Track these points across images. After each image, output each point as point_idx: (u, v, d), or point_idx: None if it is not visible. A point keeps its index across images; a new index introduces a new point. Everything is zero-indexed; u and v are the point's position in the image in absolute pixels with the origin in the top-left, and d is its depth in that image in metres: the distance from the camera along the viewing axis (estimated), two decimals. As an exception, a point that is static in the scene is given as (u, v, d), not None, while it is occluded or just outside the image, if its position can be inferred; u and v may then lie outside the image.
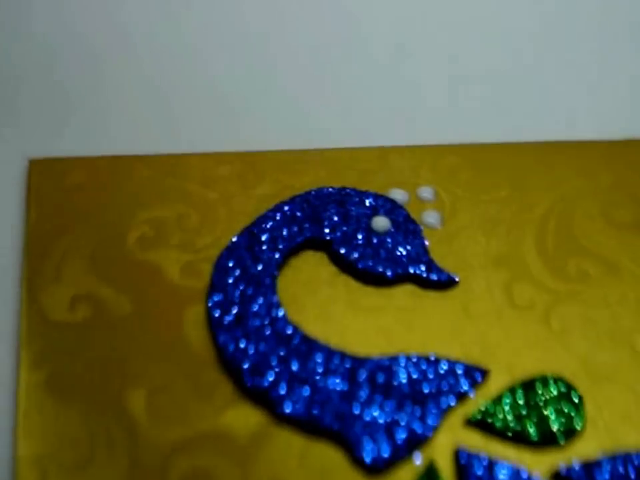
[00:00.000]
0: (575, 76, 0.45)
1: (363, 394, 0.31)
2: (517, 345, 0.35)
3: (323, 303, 0.35)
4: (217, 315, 0.33)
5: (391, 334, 0.34)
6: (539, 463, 0.31)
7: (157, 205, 0.38)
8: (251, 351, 0.32)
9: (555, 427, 0.32)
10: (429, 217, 0.38)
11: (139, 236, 0.37)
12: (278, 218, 0.36)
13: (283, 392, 0.31)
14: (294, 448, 0.31)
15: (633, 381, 0.34)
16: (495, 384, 0.33)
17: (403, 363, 0.32)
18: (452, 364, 0.32)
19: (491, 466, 0.31)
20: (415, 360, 0.32)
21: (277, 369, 0.32)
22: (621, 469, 0.31)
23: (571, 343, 0.35)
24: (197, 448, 0.31)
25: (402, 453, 0.31)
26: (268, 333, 0.32)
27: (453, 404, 0.32)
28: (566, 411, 0.32)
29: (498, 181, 0.39)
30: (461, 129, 0.42)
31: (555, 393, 0.32)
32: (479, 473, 0.30)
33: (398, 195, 0.38)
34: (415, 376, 0.32)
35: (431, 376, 0.32)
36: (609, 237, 0.38)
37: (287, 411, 0.31)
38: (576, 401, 0.33)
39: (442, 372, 0.32)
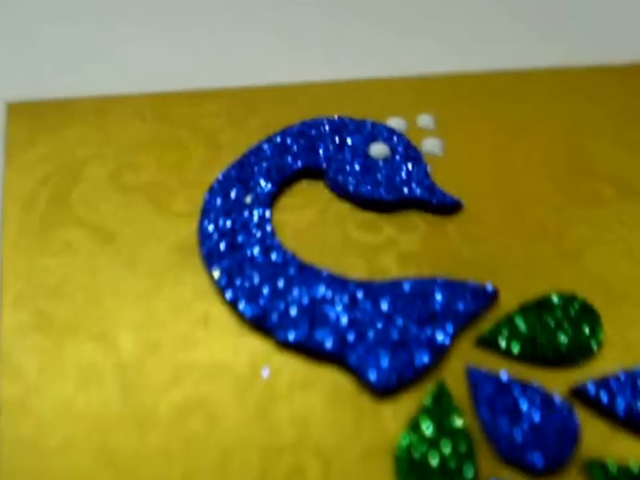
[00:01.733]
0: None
1: (366, 317, 0.30)
2: (528, 266, 0.33)
3: (320, 231, 0.33)
4: (208, 245, 0.31)
5: (394, 259, 0.33)
6: (554, 383, 0.30)
7: (147, 143, 0.37)
8: (246, 281, 0.30)
9: (570, 346, 0.30)
10: (430, 145, 0.36)
11: (129, 173, 0.36)
12: (271, 149, 0.34)
13: (280, 318, 0.29)
14: (297, 375, 0.29)
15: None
16: (506, 304, 0.32)
17: (407, 285, 0.30)
18: (459, 284, 0.30)
19: (503, 384, 0.29)
20: (419, 282, 0.30)
21: (273, 297, 0.30)
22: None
23: (585, 263, 0.33)
24: (192, 378, 0.29)
25: (410, 374, 0.29)
26: (263, 262, 0.31)
27: (461, 324, 0.30)
28: (582, 329, 0.30)
29: (502, 107, 0.38)
30: (461, 58, 0.40)
31: (570, 310, 0.30)
32: (492, 391, 0.29)
33: (396, 123, 0.36)
34: (420, 297, 0.30)
35: (437, 297, 0.30)
36: (621, 159, 0.36)
37: (288, 337, 0.30)
38: (593, 319, 0.31)
39: (449, 293, 0.31)
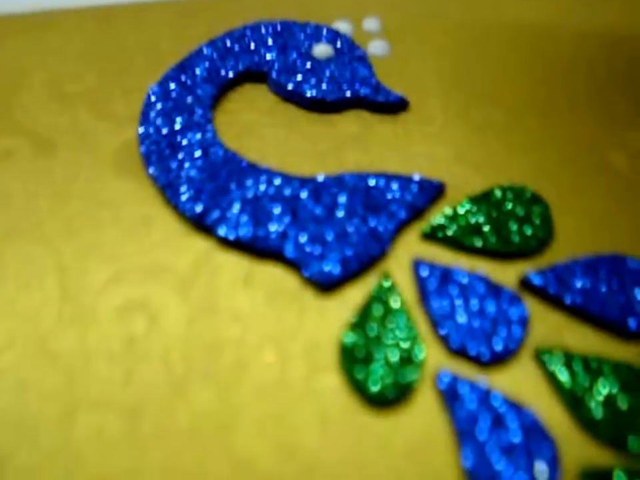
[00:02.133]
0: None
1: (308, 211, 0.29)
2: (475, 162, 0.32)
3: (263, 133, 0.33)
4: (148, 146, 0.30)
5: (338, 159, 0.32)
6: (504, 274, 0.29)
7: (88, 53, 0.37)
8: (186, 179, 0.30)
9: (519, 238, 0.30)
10: (376, 47, 0.36)
11: (70, 82, 0.36)
12: (213, 52, 0.34)
13: (221, 216, 0.29)
14: (239, 272, 0.29)
15: (603, 190, 0.31)
16: (453, 199, 0.31)
17: (350, 179, 0.29)
18: (405, 178, 0.30)
19: (451, 275, 0.28)
20: (364, 176, 0.30)
21: (214, 194, 0.30)
22: (593, 272, 0.28)
23: (533, 158, 0.33)
24: (133, 279, 0.29)
25: (354, 267, 0.29)
26: (203, 160, 0.30)
27: (407, 217, 0.30)
28: (531, 219, 0.30)
29: (449, 8, 0.37)
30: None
31: (519, 201, 0.30)
32: (437, 283, 0.28)
33: (342, 27, 0.35)
34: (364, 191, 0.29)
35: (381, 190, 0.30)
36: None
37: (230, 235, 0.29)
38: (542, 209, 0.30)
39: (394, 186, 0.30)
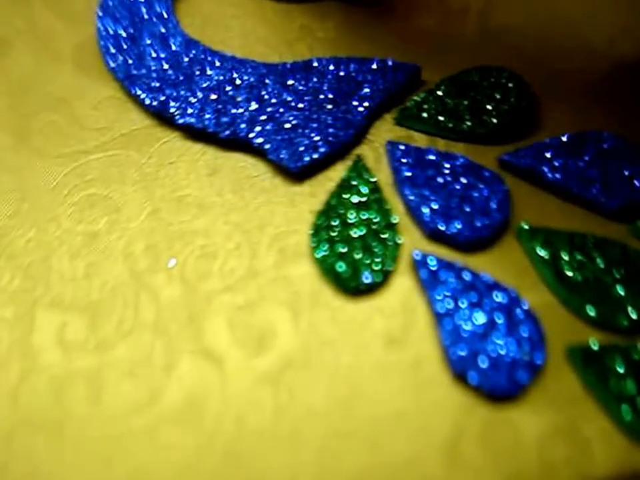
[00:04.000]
0: None
1: (275, 97, 0.28)
2: (453, 46, 0.32)
3: (228, 22, 0.32)
4: (106, 38, 0.30)
5: (307, 48, 0.31)
6: (483, 156, 0.28)
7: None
8: (146, 70, 0.29)
9: (498, 117, 0.28)
10: None
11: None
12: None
13: (185, 103, 0.28)
14: (202, 161, 0.28)
15: (584, 67, 0.30)
16: (429, 83, 0.30)
17: (320, 64, 0.28)
18: (378, 60, 0.29)
19: (427, 155, 0.28)
20: (334, 60, 0.29)
21: (177, 83, 0.29)
22: (571, 146, 0.28)
23: (512, 39, 0.32)
24: (92, 175, 0.28)
25: (325, 150, 0.28)
26: (164, 50, 0.29)
27: (379, 100, 0.29)
28: (509, 99, 0.29)
29: None
30: None
31: (496, 81, 0.29)
32: (414, 164, 0.27)
33: None
34: (335, 74, 0.29)
35: (352, 74, 0.28)
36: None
37: (189, 122, 0.28)
38: (521, 89, 0.29)
39: (366, 69, 0.29)
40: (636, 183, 0.26)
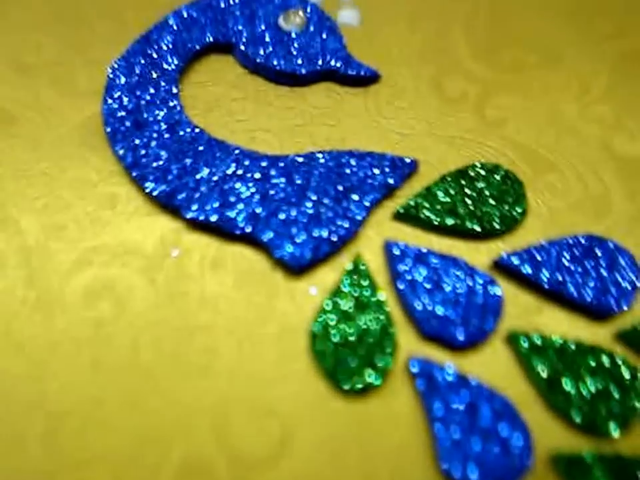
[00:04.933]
0: None
1: (279, 193, 0.28)
2: (448, 137, 0.32)
3: (231, 106, 0.32)
4: (112, 123, 0.29)
5: (308, 134, 0.31)
6: (477, 255, 0.29)
7: (49, 22, 0.36)
8: (152, 158, 0.29)
9: (493, 216, 0.29)
10: (346, 17, 0.35)
11: (30, 53, 0.35)
12: (177, 22, 0.32)
13: (189, 196, 0.28)
14: (207, 255, 0.28)
15: (579, 167, 0.31)
16: (426, 176, 0.30)
17: (321, 158, 0.29)
18: (377, 156, 0.29)
19: (424, 257, 0.28)
20: (335, 155, 0.29)
21: (182, 174, 0.29)
22: (568, 254, 0.28)
23: (509, 133, 0.32)
24: (99, 261, 0.28)
25: (325, 249, 0.28)
26: (170, 138, 0.29)
27: (379, 197, 0.29)
28: (505, 198, 0.29)
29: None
30: None
31: (493, 180, 0.30)
32: (412, 265, 0.28)
33: (311, -5, 0.34)
34: (335, 170, 0.29)
35: (354, 169, 0.29)
36: (545, 25, 0.36)
37: (196, 215, 0.28)
38: (516, 188, 0.30)
39: (366, 165, 0.29)
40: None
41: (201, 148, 0.29)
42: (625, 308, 0.27)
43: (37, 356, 0.26)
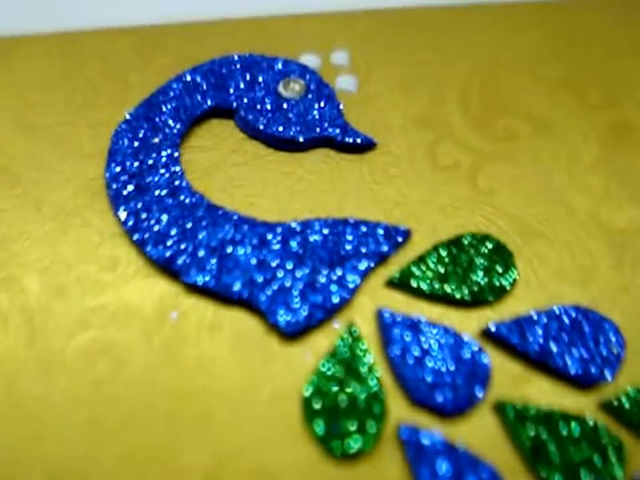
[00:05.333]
0: None
1: (275, 259, 0.29)
2: (441, 206, 0.32)
3: (230, 171, 0.33)
4: (115, 187, 0.30)
5: (305, 200, 0.32)
6: (467, 323, 0.29)
7: (54, 83, 0.36)
8: (153, 223, 0.30)
9: (483, 285, 0.30)
10: (344, 82, 0.36)
11: (35, 114, 0.35)
12: (180, 87, 0.33)
13: (188, 261, 0.29)
14: (204, 318, 0.29)
15: (567, 237, 0.32)
16: (419, 244, 0.31)
17: (317, 226, 0.30)
18: (371, 225, 0.30)
19: (414, 325, 0.29)
20: (330, 223, 0.30)
21: (181, 239, 0.30)
22: (555, 324, 0.29)
23: (499, 202, 0.33)
24: (99, 322, 0.29)
25: (319, 316, 0.29)
26: (170, 203, 0.30)
27: (372, 265, 0.30)
28: (495, 268, 0.30)
29: (417, 43, 0.38)
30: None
31: (483, 250, 0.30)
32: (402, 332, 0.28)
33: (310, 61, 0.36)
34: (331, 238, 0.29)
35: (348, 238, 0.30)
36: (537, 95, 0.36)
37: (196, 280, 0.29)
38: (506, 258, 0.31)
39: (361, 233, 0.30)
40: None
41: (200, 214, 0.30)
42: (609, 379, 0.27)
43: (36, 415, 0.27)
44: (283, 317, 0.28)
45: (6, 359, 0.28)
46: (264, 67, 0.35)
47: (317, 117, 0.33)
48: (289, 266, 0.29)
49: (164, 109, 0.33)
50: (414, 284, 0.29)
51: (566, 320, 0.29)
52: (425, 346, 0.28)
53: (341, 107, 0.34)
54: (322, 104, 0.33)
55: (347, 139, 0.33)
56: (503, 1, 0.39)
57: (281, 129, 0.33)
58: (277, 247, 0.29)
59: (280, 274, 0.29)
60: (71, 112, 0.34)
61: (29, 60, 0.36)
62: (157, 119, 0.32)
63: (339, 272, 0.29)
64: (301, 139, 0.33)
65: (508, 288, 0.30)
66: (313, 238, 0.29)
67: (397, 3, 0.38)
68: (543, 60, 0.37)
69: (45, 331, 0.28)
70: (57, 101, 0.34)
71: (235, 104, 0.33)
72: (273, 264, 0.29)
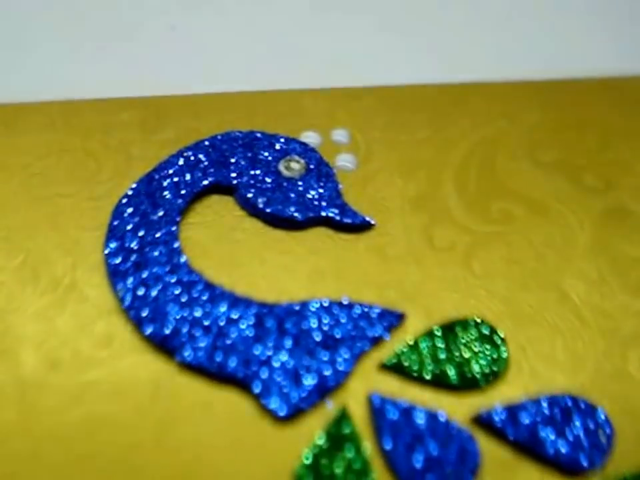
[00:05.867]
0: (497, 13, 0.43)
1: (270, 340, 0.29)
2: (435, 288, 0.33)
3: (229, 249, 0.33)
4: (114, 262, 0.30)
5: (302, 279, 0.32)
6: (459, 408, 0.30)
7: (56, 154, 0.37)
8: (150, 299, 0.30)
9: (475, 370, 0.30)
10: (344, 160, 0.36)
11: (38, 185, 0.36)
12: (181, 163, 0.34)
13: (183, 339, 0.29)
14: (197, 397, 0.29)
15: (559, 322, 0.32)
16: (412, 328, 0.31)
17: (313, 308, 0.30)
18: (366, 307, 0.31)
19: (407, 411, 0.29)
20: (326, 305, 0.31)
21: (177, 317, 0.30)
22: (546, 412, 0.29)
23: (493, 285, 0.33)
24: (93, 396, 0.29)
25: (312, 400, 0.29)
26: (168, 280, 0.30)
27: (367, 349, 0.30)
28: (487, 353, 0.31)
29: (416, 122, 0.38)
30: (375, 71, 0.39)
31: (476, 335, 0.31)
32: (394, 417, 0.29)
33: (310, 138, 0.36)
34: (326, 321, 0.30)
35: (343, 320, 0.30)
36: (533, 178, 0.37)
37: (188, 358, 0.29)
38: (498, 342, 0.31)
39: (355, 316, 0.31)
40: None
41: (197, 292, 0.30)
42: (598, 466, 0.28)
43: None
44: (275, 400, 0.29)
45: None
46: (265, 144, 0.35)
47: (316, 196, 0.33)
48: (284, 347, 0.29)
49: (164, 184, 0.33)
50: (407, 368, 0.30)
51: (557, 407, 0.29)
52: (416, 433, 0.28)
53: (340, 186, 0.34)
54: (321, 183, 0.34)
55: (345, 220, 0.33)
56: (503, 78, 0.39)
57: (280, 208, 0.33)
58: (273, 327, 0.30)
59: (275, 355, 0.29)
60: (72, 184, 0.34)
61: (31, 128, 0.37)
62: (157, 194, 0.32)
63: (333, 355, 0.29)
64: (300, 218, 0.32)
65: (500, 373, 0.30)
66: (308, 320, 0.30)
67: (397, 81, 0.38)
68: (540, 142, 0.37)
69: (39, 404, 0.29)
70: (58, 172, 0.34)
71: (235, 181, 0.33)
72: (269, 345, 0.29)
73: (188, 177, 0.34)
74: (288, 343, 0.30)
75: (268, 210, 0.33)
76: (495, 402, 0.30)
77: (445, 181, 0.37)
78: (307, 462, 0.28)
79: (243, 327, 0.30)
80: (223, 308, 0.30)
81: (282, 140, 0.36)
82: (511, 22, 0.43)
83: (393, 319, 0.31)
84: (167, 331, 0.30)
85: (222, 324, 0.30)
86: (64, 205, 0.35)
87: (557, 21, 0.43)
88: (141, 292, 0.30)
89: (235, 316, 0.30)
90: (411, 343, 0.31)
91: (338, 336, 0.30)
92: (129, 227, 0.32)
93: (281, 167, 0.34)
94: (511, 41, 0.42)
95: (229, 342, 0.30)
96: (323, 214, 0.34)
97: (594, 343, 0.32)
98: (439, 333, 0.31)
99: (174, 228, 0.33)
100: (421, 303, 0.32)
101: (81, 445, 0.28)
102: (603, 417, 0.29)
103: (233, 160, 0.35)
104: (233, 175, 0.34)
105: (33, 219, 0.34)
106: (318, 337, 0.30)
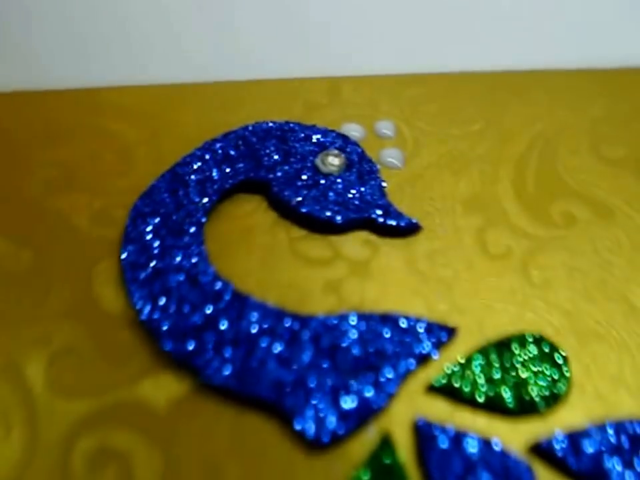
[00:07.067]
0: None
1: (305, 358, 0.27)
2: (490, 300, 0.30)
3: (260, 254, 0.31)
4: (131, 269, 0.28)
5: (341, 289, 0.30)
6: (515, 434, 0.26)
7: (67, 142, 0.34)
8: (172, 311, 0.27)
9: (534, 393, 0.27)
10: (389, 156, 0.33)
11: (44, 179, 0.33)
12: (208, 157, 0.31)
13: (208, 357, 0.27)
14: (223, 421, 0.26)
15: (627, 339, 0.29)
16: (464, 344, 0.28)
17: (353, 321, 0.28)
18: (412, 321, 0.28)
19: (457, 438, 0.26)
20: (368, 317, 0.28)
21: (202, 331, 0.27)
22: (613, 440, 0.26)
23: (554, 296, 0.30)
24: (107, 423, 0.26)
25: (351, 425, 0.26)
26: (192, 289, 0.27)
27: (413, 367, 0.27)
28: (547, 373, 0.28)
29: (469, 113, 0.36)
30: (425, 57, 0.36)
31: (535, 353, 0.28)
32: (444, 446, 0.26)
33: (352, 130, 0.34)
34: (368, 336, 0.27)
35: (387, 336, 0.28)
36: (599, 176, 0.34)
37: (213, 378, 0.26)
38: (559, 362, 0.28)
39: (400, 331, 0.28)
40: None
41: (223, 303, 0.28)
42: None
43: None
44: (310, 424, 0.26)
45: (6, 459, 0.26)
46: (301, 137, 0.32)
47: (357, 195, 0.30)
48: (320, 366, 0.27)
49: (189, 181, 0.30)
50: (457, 390, 0.27)
51: (624, 434, 0.26)
52: (468, 462, 0.25)
53: (384, 184, 0.31)
54: (363, 181, 0.30)
55: (389, 222, 0.30)
56: (564, 67, 0.36)
57: (316, 208, 0.29)
58: (308, 343, 0.27)
59: (310, 375, 0.26)
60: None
61: (40, 114, 0.35)
62: (181, 192, 0.29)
63: (375, 375, 0.27)
64: (339, 221, 0.30)
65: (561, 396, 0.27)
66: (347, 335, 0.27)
67: (449, 68, 0.35)
68: (606, 136, 0.35)
69: (48, 430, 0.26)
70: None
71: (267, 178, 0.30)
72: (303, 363, 0.27)
73: (215, 173, 0.30)
74: (324, 360, 0.27)
75: (303, 210, 0.31)
76: (556, 428, 0.27)
77: (501, 179, 0.34)
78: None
79: (275, 342, 0.27)
80: (253, 320, 0.28)
81: (320, 132, 0.33)
82: (574, 4, 0.39)
83: (442, 334, 0.28)
84: (191, 348, 0.27)
85: (251, 339, 0.27)
86: (74, 203, 0.33)
87: (624, 2, 0.40)
88: (161, 303, 0.28)
89: (266, 330, 0.27)
90: (462, 361, 0.28)
91: (380, 353, 0.27)
92: (148, 229, 0.29)
93: (318, 162, 0.31)
94: (574, 26, 0.39)
95: (259, 360, 0.27)
96: (365, 215, 0.31)
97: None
98: (493, 351, 0.28)
99: (199, 230, 0.30)
100: (474, 316, 0.29)
101: (93, 475, 0.26)
102: (676, 445, 0.25)
103: (264, 153, 0.31)
104: (265, 170, 0.31)
105: (39, 220, 0.32)
106: (358, 354, 0.27)
